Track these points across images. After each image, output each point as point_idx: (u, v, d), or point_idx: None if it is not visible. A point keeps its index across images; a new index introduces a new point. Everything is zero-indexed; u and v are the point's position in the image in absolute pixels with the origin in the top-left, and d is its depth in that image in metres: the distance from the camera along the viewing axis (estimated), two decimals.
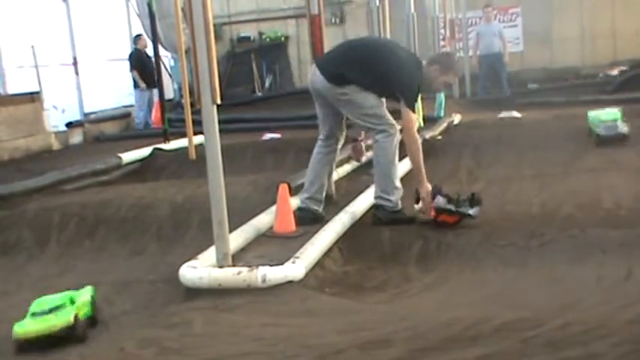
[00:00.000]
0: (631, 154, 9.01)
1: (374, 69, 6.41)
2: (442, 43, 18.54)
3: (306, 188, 6.66)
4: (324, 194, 6.70)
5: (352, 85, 6.37)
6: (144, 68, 16.58)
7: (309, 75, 6.77)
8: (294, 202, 6.72)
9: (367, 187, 7.44)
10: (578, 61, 20.12)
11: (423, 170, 6.50)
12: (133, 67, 16.74)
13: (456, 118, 13.60)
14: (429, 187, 6.47)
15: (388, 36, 11.85)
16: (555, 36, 20.34)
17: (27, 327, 4.21)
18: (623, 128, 9.79)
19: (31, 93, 13.97)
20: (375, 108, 6.47)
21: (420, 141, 6.57)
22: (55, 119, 14.92)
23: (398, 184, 6.62)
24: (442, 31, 18.77)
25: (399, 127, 6.57)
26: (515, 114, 14.57)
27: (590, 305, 4.30)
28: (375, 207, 6.67)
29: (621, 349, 3.35)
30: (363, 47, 6.72)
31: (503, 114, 14.71)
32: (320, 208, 6.61)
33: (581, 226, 5.98)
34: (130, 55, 16.93)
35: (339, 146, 6.83)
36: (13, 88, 14.71)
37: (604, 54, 19.87)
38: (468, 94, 18.01)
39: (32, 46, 13.85)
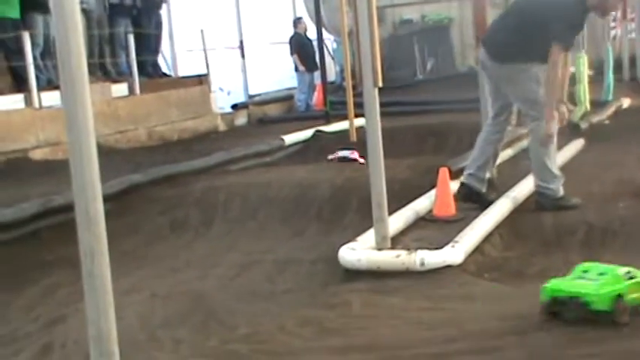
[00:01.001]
0: None
1: (528, 26, 6.27)
2: (613, 24, 17.87)
3: (469, 164, 6.59)
4: (487, 174, 6.61)
5: (514, 62, 6.28)
6: (304, 51, 16.78)
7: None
8: (455, 185, 6.67)
9: (529, 172, 7.29)
10: None
11: (554, 99, 6.24)
12: (293, 51, 16.98)
13: (625, 102, 13.10)
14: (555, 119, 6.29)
15: None
16: None
17: (558, 285, 3.81)
18: None
19: (200, 75, 14.42)
20: (536, 93, 6.31)
21: (559, 78, 6.22)
22: (221, 101, 15.34)
23: (556, 171, 6.47)
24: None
25: (557, 117, 6.37)
26: None
27: None
28: (537, 194, 6.55)
29: None
30: (516, 8, 6.65)
31: None
32: (483, 188, 6.52)
33: None
34: (291, 39, 17.18)
35: (509, 127, 6.74)
36: (183, 70, 15.25)
37: None
38: (639, 78, 17.30)
39: (201, 30, 14.28)
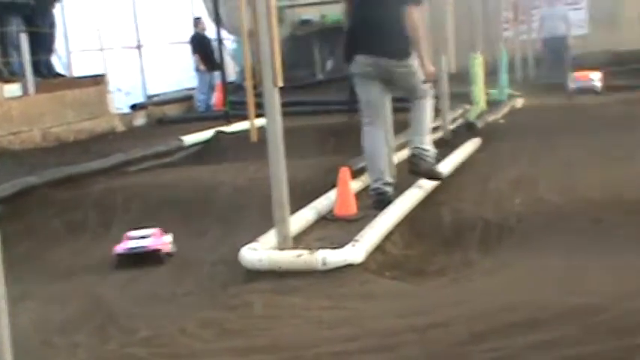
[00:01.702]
0: None
1: (397, 10, 6.41)
2: (505, 25, 18.30)
3: (373, 171, 6.64)
4: (390, 175, 6.68)
5: (411, 54, 6.48)
6: (205, 51, 16.68)
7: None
8: (355, 185, 6.72)
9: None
10: None
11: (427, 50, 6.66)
12: (194, 51, 16.85)
13: (519, 102, 13.44)
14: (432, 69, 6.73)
15: (450, 20, 11.71)
16: (622, 18, 19.91)
17: None
18: None
19: (96, 76, 14.16)
20: (420, 72, 6.58)
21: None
22: (119, 102, 15.10)
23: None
24: (505, 13, 18.51)
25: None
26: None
27: None
28: (415, 157, 6.72)
29: None
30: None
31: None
32: (390, 190, 6.58)
33: None
34: (191, 39, 17.04)
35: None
36: (78, 71, 14.94)
37: None
38: (531, 78, 17.78)
39: (98, 30, 14.01)
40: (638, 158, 8.06)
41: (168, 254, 5.79)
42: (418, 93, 6.66)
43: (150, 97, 16.66)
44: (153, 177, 8.28)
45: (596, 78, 16.04)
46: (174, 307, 4.67)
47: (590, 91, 15.43)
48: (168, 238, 5.92)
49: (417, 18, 6.43)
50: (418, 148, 6.69)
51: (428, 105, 6.76)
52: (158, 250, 5.72)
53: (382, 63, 6.46)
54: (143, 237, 5.79)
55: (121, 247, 5.73)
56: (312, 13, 21.52)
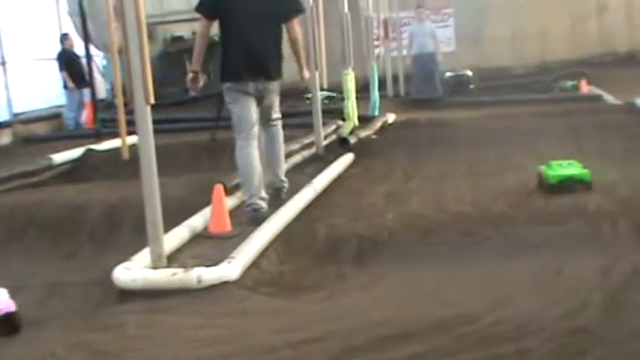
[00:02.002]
0: (559, 150, 9.18)
1: (276, 27, 6.72)
2: (376, 42, 18.65)
3: (248, 187, 6.62)
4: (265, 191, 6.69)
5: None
6: (73, 68, 16.29)
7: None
8: (230, 202, 6.69)
9: (302, 186, 7.45)
10: (509, 60, 20.43)
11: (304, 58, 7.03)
12: (61, 67, 16.43)
13: (390, 118, 13.69)
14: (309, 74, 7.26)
15: (322, 36, 11.86)
16: (486, 36, 20.62)
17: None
18: None
19: None
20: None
21: None
22: None
23: None
24: (376, 30, 18.87)
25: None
26: None
27: (523, 301, 4.36)
28: (278, 190, 6.93)
29: (552, 344, 3.41)
30: (252, 20, 6.72)
31: None
32: (266, 205, 6.58)
33: (513, 223, 6.07)
34: (59, 55, 16.60)
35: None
36: None
37: (533, 54, 20.21)
38: (401, 94, 18.14)
39: None
40: (505, 172, 8.33)
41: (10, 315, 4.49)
42: (274, 112, 6.85)
43: (16, 114, 16.16)
44: (20, 197, 8.02)
45: None
46: (43, 330, 4.54)
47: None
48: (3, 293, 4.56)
49: (298, 29, 6.79)
50: (282, 181, 6.91)
51: (281, 131, 6.98)
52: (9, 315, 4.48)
53: (261, 84, 6.61)
54: None
55: None
56: (183, 30, 21.39)
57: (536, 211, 6.47)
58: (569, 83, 17.45)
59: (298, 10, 6.97)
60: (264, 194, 6.57)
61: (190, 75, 6.89)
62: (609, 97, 14.94)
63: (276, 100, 6.85)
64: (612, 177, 7.39)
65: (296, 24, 6.80)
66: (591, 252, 5.26)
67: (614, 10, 20.23)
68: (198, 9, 6.64)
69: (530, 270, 5.03)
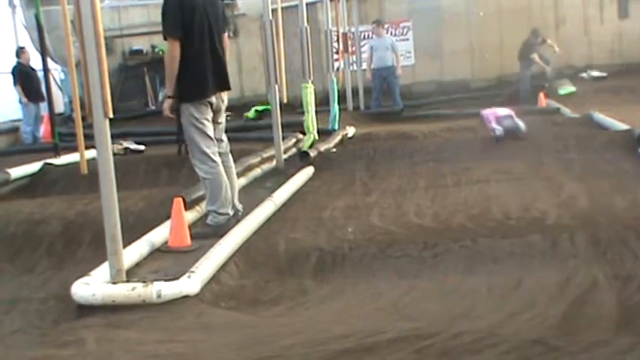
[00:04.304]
0: (518, 163, 9.27)
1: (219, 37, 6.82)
2: (336, 56, 18.70)
3: (217, 196, 6.60)
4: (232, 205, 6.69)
5: None
6: (28, 82, 16.13)
7: None
8: (189, 216, 6.67)
9: (262, 200, 7.45)
10: (467, 74, 20.63)
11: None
12: (16, 82, 16.25)
13: (350, 131, 13.73)
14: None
15: (282, 49, 11.88)
16: (446, 49, 20.78)
17: None
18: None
19: None
20: None
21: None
22: None
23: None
24: (335, 44, 18.93)
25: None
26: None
27: (482, 314, 4.40)
28: (236, 213, 6.81)
29: (510, 356, 3.43)
30: (205, 32, 6.74)
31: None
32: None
33: (472, 237, 6.11)
34: (14, 69, 16.43)
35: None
36: None
37: (491, 68, 20.40)
38: (361, 107, 18.21)
39: None
40: (464, 186, 8.39)
41: None
42: (224, 135, 6.84)
43: None
44: None
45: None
46: (1, 346, 4.47)
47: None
48: None
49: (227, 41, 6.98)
50: (238, 208, 6.85)
51: (231, 158, 6.92)
52: None
53: (220, 95, 6.67)
54: None
55: None
56: (142, 44, 21.33)
57: (495, 224, 6.52)
58: None
59: (228, 22, 7.20)
60: (236, 202, 6.61)
61: (169, 101, 6.63)
62: (567, 111, 15.12)
63: (224, 120, 6.89)
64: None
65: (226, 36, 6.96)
66: (550, 265, 5.32)
67: (571, 25, 20.48)
68: (169, 34, 6.44)
69: (489, 283, 5.07)
